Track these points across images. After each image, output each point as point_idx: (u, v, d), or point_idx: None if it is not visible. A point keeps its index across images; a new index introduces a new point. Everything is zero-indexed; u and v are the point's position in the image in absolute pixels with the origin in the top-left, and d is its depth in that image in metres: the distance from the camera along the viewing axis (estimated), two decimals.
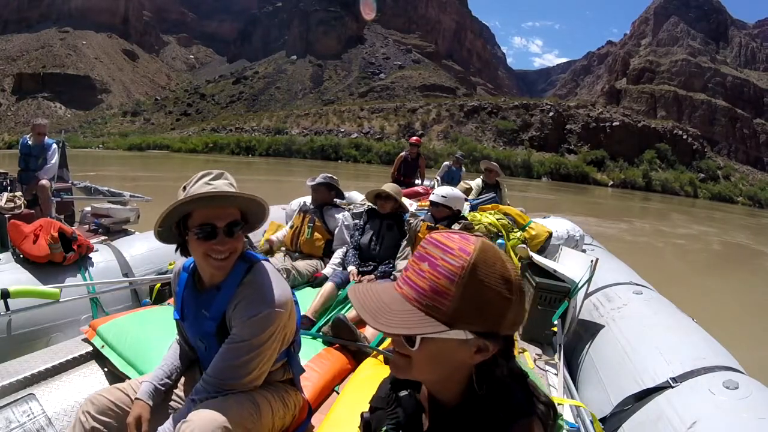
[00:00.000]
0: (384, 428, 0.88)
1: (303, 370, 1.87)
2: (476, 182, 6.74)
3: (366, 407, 0.99)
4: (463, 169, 8.52)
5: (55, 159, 5.99)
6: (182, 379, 1.77)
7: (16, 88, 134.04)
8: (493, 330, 0.73)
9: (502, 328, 0.74)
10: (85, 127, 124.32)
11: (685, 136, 78.36)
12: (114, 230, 5.30)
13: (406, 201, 4.75)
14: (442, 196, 3.57)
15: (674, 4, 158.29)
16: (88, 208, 5.62)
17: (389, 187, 3.78)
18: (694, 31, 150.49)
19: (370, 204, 3.95)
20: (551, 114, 78.31)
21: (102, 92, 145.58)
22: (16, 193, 5.28)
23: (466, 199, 5.65)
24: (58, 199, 6.10)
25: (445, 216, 3.58)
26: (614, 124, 76.15)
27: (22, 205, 5.06)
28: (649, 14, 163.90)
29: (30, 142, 5.93)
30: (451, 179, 7.94)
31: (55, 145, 6.05)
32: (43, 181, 5.73)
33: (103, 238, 4.95)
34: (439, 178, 8.22)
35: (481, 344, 0.73)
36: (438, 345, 0.74)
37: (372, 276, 3.41)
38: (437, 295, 0.72)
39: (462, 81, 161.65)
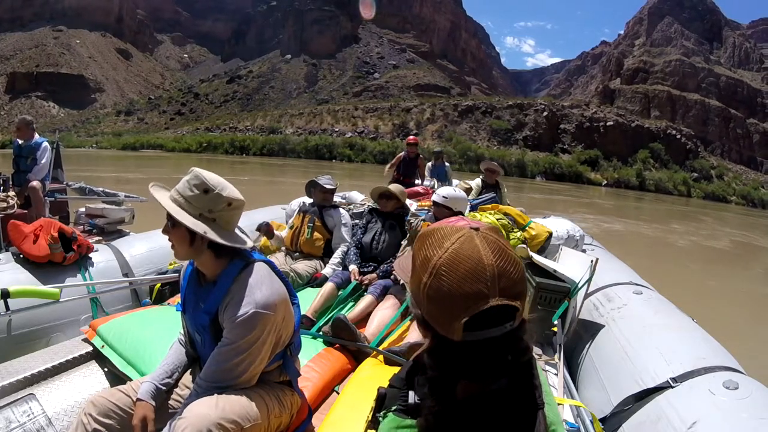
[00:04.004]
0: (394, 407, 0.88)
1: (299, 374, 1.87)
2: (476, 182, 6.72)
3: (366, 407, 0.99)
4: (447, 163, 8.48)
5: (45, 159, 5.70)
6: (183, 378, 1.78)
7: (9, 88, 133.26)
8: (415, 299, 0.81)
9: (420, 304, 0.78)
10: (78, 126, 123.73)
11: (678, 136, 78.78)
12: (109, 230, 5.23)
13: (406, 201, 4.77)
14: (443, 197, 3.61)
15: (668, 5, 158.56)
16: (83, 209, 5.55)
17: (395, 187, 3.89)
18: (688, 31, 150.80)
19: (371, 204, 3.96)
20: (545, 114, 78.40)
21: (96, 91, 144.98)
22: (9, 193, 5.23)
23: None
24: (52, 199, 6.01)
25: (445, 216, 3.59)
26: (608, 123, 76.40)
27: (15, 205, 5.01)
28: (643, 14, 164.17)
29: (20, 142, 5.74)
30: (437, 176, 7.97)
31: (46, 144, 5.77)
32: (33, 183, 5.47)
33: (97, 238, 4.91)
34: (433, 180, 8.19)
35: (419, 318, 0.81)
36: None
37: (374, 275, 3.42)
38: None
39: (456, 80, 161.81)
